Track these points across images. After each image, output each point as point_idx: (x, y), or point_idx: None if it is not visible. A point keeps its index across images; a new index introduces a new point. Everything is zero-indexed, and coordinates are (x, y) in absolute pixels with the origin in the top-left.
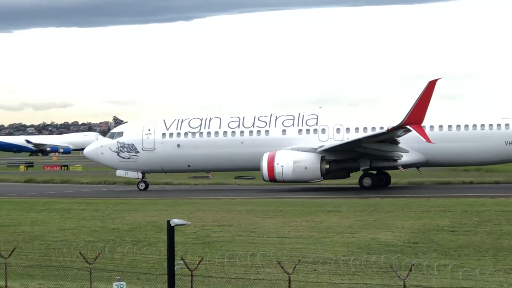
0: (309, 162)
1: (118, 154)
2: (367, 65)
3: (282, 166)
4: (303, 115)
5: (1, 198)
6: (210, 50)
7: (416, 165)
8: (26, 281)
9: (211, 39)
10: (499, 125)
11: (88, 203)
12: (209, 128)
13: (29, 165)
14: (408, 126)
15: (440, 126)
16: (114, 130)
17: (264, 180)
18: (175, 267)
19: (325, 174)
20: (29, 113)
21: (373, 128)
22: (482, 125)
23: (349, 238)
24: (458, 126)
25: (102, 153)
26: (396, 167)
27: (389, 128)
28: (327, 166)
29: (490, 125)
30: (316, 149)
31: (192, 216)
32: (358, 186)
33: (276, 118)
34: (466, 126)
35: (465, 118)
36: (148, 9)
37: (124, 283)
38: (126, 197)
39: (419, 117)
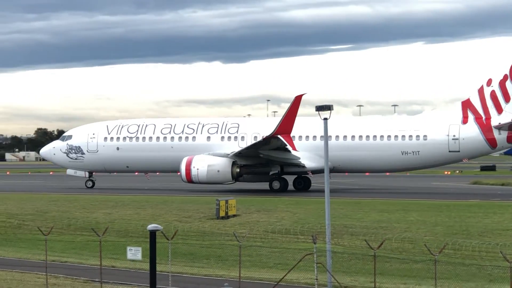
0: (221, 166)
1: (67, 155)
2: None
3: (197, 169)
4: (227, 124)
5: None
6: None
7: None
8: None
9: None
10: (396, 136)
11: None
12: (144, 133)
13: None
14: (278, 136)
15: (345, 137)
16: (65, 134)
17: (183, 181)
18: None
19: (237, 177)
20: None
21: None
22: (381, 136)
23: None
24: (360, 136)
25: (54, 154)
26: (306, 172)
27: (264, 137)
28: (238, 170)
29: (389, 136)
30: (229, 154)
31: None
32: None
33: (203, 126)
34: (367, 136)
35: (366, 129)
36: None
37: None
38: None
39: (288, 127)
